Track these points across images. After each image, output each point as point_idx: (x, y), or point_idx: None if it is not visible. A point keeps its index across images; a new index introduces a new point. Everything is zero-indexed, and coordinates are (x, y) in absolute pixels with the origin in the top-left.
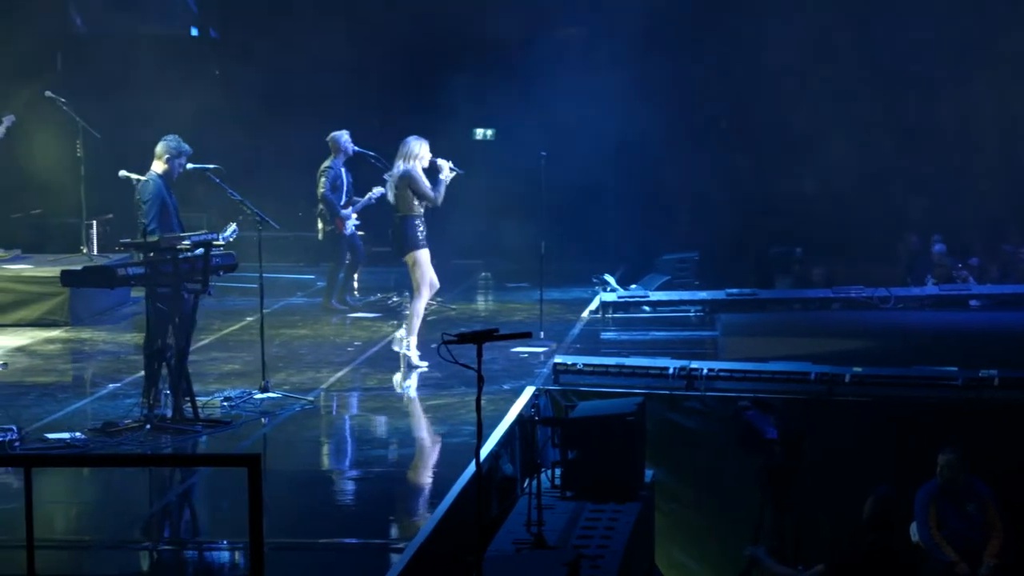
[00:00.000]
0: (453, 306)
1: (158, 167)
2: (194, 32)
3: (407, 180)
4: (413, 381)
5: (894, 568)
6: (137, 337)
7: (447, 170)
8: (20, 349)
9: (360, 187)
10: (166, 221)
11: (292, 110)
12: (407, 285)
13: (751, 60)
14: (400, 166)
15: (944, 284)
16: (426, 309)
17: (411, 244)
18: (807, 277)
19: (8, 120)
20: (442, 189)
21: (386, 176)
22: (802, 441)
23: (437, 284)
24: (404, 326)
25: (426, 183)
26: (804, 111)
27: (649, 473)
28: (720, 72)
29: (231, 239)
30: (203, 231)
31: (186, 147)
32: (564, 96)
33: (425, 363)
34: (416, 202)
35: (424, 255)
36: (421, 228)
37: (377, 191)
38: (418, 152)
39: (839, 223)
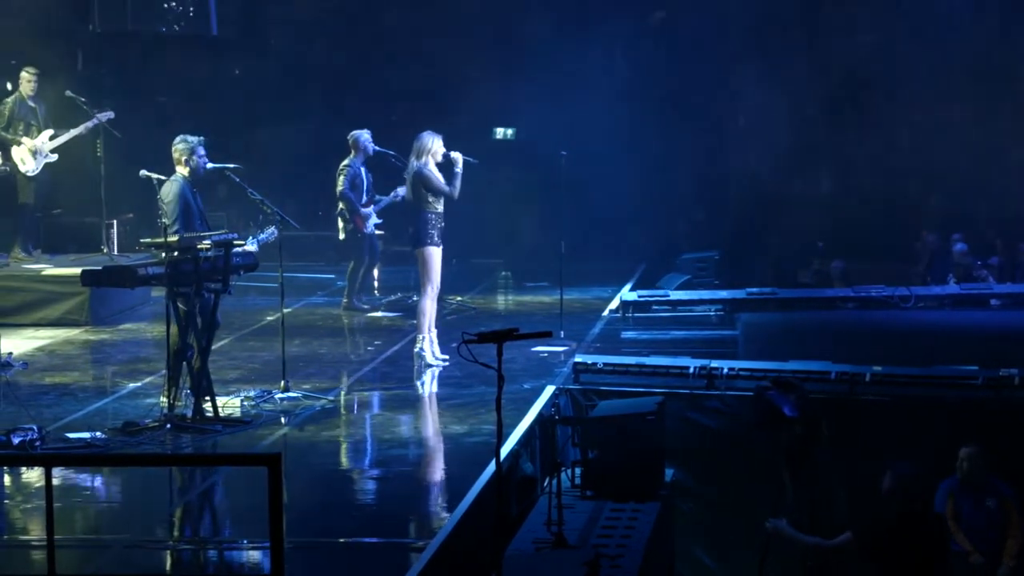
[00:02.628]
0: (473, 305)
1: (181, 170)
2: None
3: (420, 178)
4: (432, 380)
5: (923, 537)
6: (157, 337)
7: (461, 162)
8: (40, 349)
9: (380, 186)
10: (189, 223)
11: (312, 109)
12: None
13: (768, 60)
14: (413, 163)
15: (964, 283)
16: (446, 307)
17: (421, 240)
18: (827, 270)
19: (102, 116)
20: (457, 183)
21: (405, 174)
22: (820, 419)
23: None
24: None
25: (438, 179)
26: (823, 110)
27: (669, 472)
28: (738, 72)
29: (268, 241)
30: (223, 231)
31: (193, 139)
32: (584, 96)
33: (444, 358)
34: (431, 199)
35: (433, 253)
36: (434, 224)
37: (401, 190)
38: (430, 147)
39: (858, 222)
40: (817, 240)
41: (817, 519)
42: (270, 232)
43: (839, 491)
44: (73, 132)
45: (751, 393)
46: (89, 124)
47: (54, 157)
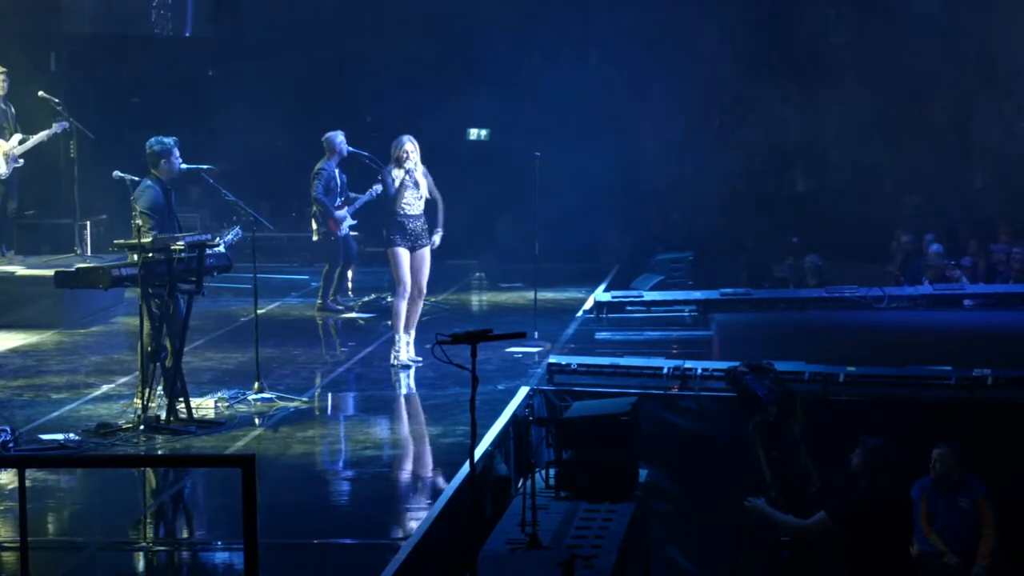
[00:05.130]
0: (447, 306)
1: (155, 172)
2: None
3: (381, 180)
4: (406, 381)
5: (892, 512)
6: (131, 338)
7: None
8: (14, 350)
9: (354, 187)
10: (164, 229)
11: (286, 110)
12: None
13: (743, 59)
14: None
15: (941, 283)
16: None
17: (385, 241)
18: (802, 265)
19: (59, 126)
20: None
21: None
22: (794, 401)
23: (420, 288)
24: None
25: (391, 183)
26: (797, 109)
27: (643, 473)
28: (712, 71)
29: (233, 242)
30: (197, 232)
31: (168, 140)
32: (558, 96)
33: (416, 360)
34: (396, 201)
35: (396, 253)
36: (398, 225)
37: (377, 187)
38: (394, 152)
39: (832, 222)
40: (792, 237)
41: (791, 497)
42: (235, 233)
43: (812, 471)
44: (36, 139)
45: (725, 394)
46: (49, 132)
47: (21, 162)
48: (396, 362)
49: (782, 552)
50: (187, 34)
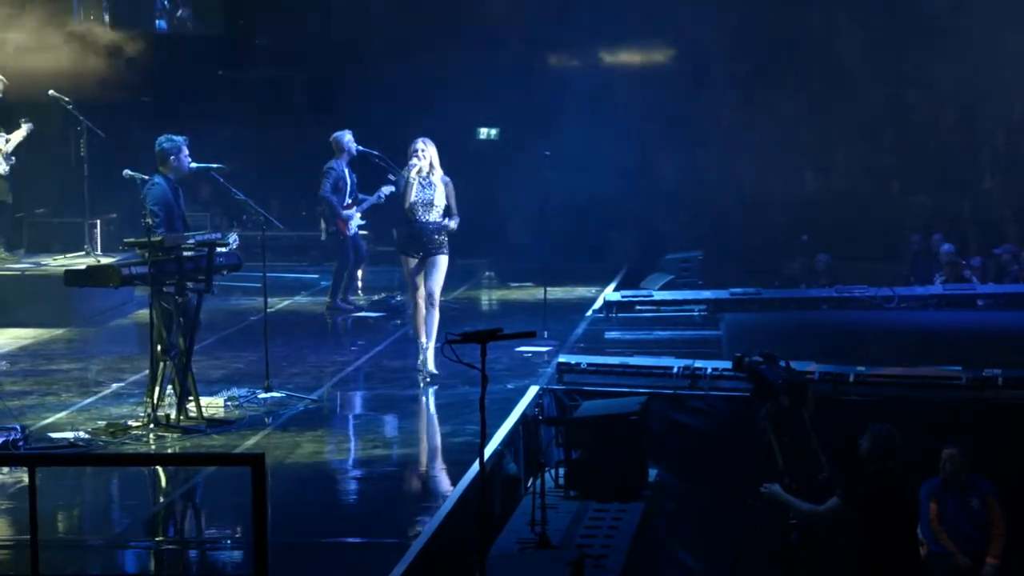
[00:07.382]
0: (457, 305)
1: (164, 170)
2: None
3: None
4: (415, 380)
5: (899, 495)
6: (140, 337)
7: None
8: (23, 348)
9: (366, 187)
10: (171, 226)
11: (295, 108)
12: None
13: (753, 59)
14: None
15: (953, 283)
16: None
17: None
18: (813, 264)
19: (28, 127)
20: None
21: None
22: (805, 389)
23: (429, 293)
24: None
25: (403, 187)
26: (806, 109)
27: (653, 472)
28: (723, 70)
29: (232, 248)
30: (207, 231)
31: (178, 139)
32: (567, 96)
33: (433, 372)
34: (404, 202)
35: (404, 262)
36: (406, 234)
37: (385, 190)
38: (408, 153)
39: (841, 222)
40: (801, 235)
41: (802, 483)
42: (233, 240)
43: (822, 457)
44: (17, 135)
45: (735, 394)
46: (24, 131)
47: (13, 159)
48: (419, 367)
49: (790, 534)
50: (197, 33)
